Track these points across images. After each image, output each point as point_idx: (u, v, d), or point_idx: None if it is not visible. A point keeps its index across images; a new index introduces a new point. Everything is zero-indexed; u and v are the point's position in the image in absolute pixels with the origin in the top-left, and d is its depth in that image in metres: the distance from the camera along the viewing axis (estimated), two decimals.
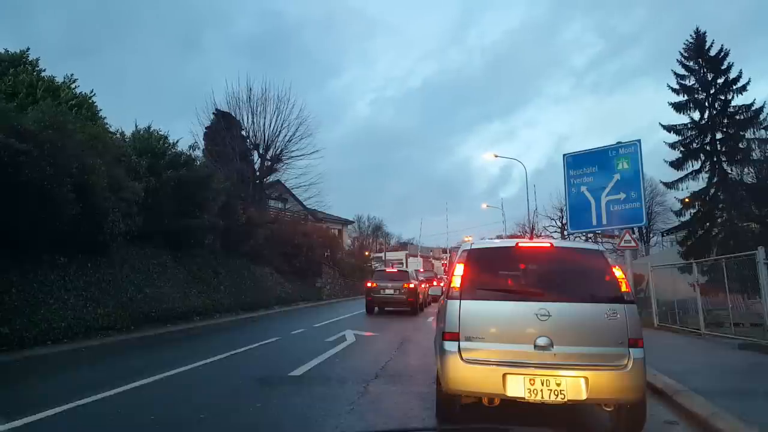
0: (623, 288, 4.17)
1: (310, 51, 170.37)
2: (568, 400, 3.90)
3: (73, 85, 14.01)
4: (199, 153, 20.31)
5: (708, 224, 22.90)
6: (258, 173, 28.30)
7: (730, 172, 22.83)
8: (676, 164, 23.59)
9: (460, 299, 4.23)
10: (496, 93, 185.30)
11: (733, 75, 22.71)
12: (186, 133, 25.78)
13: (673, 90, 23.71)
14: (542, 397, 3.90)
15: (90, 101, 14.30)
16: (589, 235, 27.01)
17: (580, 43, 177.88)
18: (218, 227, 17.18)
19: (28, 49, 13.84)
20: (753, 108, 22.40)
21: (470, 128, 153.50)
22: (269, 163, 28.32)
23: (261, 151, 28.10)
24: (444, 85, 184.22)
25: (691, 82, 23.52)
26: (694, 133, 23.39)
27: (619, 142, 13.47)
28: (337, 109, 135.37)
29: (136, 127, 15.57)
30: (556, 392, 3.89)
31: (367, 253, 52.58)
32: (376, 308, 18.58)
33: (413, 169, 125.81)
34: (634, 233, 15.98)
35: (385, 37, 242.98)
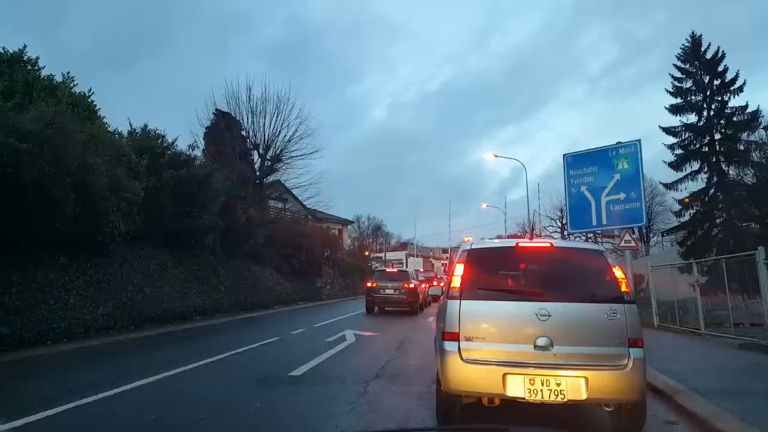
0: (623, 288, 4.17)
1: (333, 57, 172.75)
2: (568, 400, 3.90)
3: (71, 84, 13.99)
4: (198, 153, 20.33)
5: (707, 224, 22.93)
6: (258, 173, 28.31)
7: (728, 172, 22.89)
8: (675, 165, 23.65)
9: (460, 299, 4.22)
10: (512, 97, 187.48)
11: (729, 77, 22.81)
12: (195, 136, 25.69)
13: (671, 93, 23.85)
14: (542, 397, 3.90)
15: (88, 100, 14.28)
16: (589, 235, 27.00)
17: (597, 49, 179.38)
18: (218, 227, 17.18)
19: (25, 47, 13.83)
20: (748, 111, 22.51)
21: (485, 131, 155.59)
22: (269, 163, 28.32)
23: (261, 151, 28.12)
24: (461, 89, 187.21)
25: (688, 84, 23.65)
26: (691, 134, 23.46)
27: (619, 142, 13.47)
28: (355, 114, 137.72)
29: (131, 126, 15.49)
30: (556, 392, 3.89)
31: (367, 253, 52.57)
32: (376, 308, 18.58)
33: (425, 172, 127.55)
34: (634, 233, 15.98)
35: (408, 42, 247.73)
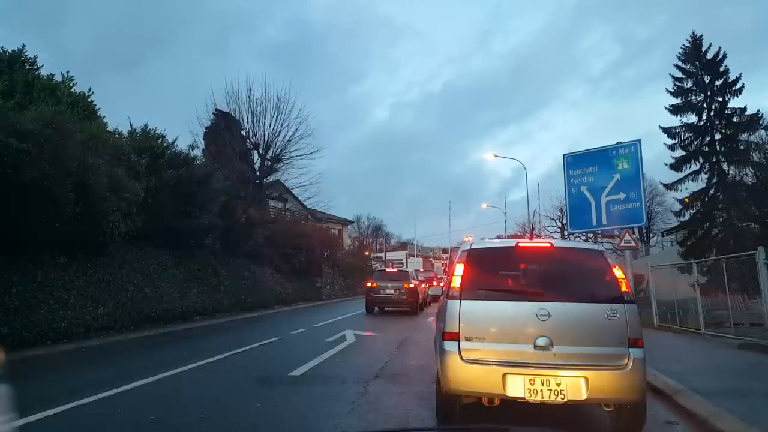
0: (623, 288, 4.17)
1: (335, 57, 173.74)
2: (568, 400, 3.90)
3: (71, 84, 13.99)
4: (198, 152, 20.32)
5: (708, 224, 22.95)
6: (258, 173, 28.30)
7: (729, 172, 22.91)
8: (676, 165, 23.69)
9: (460, 299, 4.22)
10: (513, 97, 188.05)
11: (731, 77, 22.86)
12: (195, 136, 25.67)
13: (671, 93, 23.89)
14: (542, 397, 3.90)
15: (88, 100, 14.29)
16: (589, 235, 27.00)
17: (598, 50, 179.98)
18: (218, 227, 17.17)
19: (24, 46, 13.85)
20: (747, 113, 22.54)
21: (486, 131, 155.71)
22: (269, 162, 28.31)
23: (261, 151, 28.11)
24: (463, 89, 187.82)
25: (688, 84, 23.69)
26: (692, 134, 23.49)
27: (619, 142, 13.47)
28: (356, 114, 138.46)
29: (131, 125, 15.48)
30: (556, 392, 3.89)
31: (367, 253, 52.58)
32: (376, 308, 18.59)
33: (426, 172, 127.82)
34: (634, 233, 15.98)
35: (410, 42, 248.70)
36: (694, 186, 23.41)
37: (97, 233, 11.07)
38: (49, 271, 10.22)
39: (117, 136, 14.76)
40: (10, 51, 13.57)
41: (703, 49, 23.40)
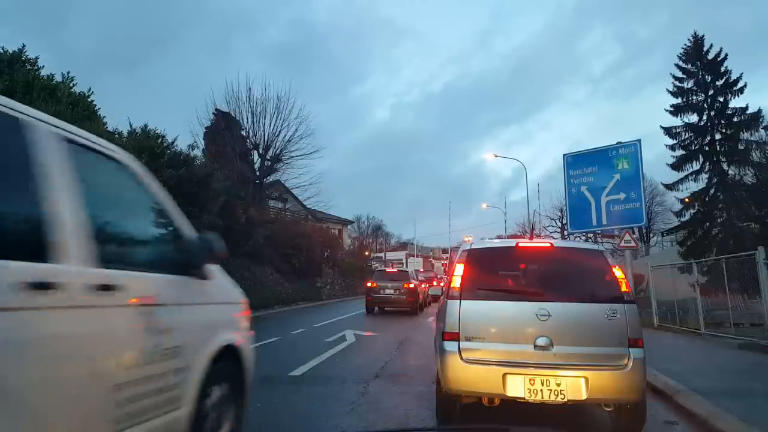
0: (623, 288, 4.17)
1: (337, 58, 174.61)
2: (568, 400, 3.90)
3: (71, 84, 13.99)
4: (198, 152, 20.32)
5: (708, 224, 22.96)
6: (258, 173, 28.28)
7: (729, 172, 22.93)
8: (676, 165, 23.70)
9: (460, 299, 4.22)
10: (514, 97, 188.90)
11: (732, 77, 22.87)
12: (195, 136, 25.57)
13: (672, 93, 23.90)
14: (542, 397, 3.90)
15: (88, 100, 14.29)
16: (589, 235, 27.01)
17: (599, 50, 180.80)
18: (218, 227, 17.13)
19: (24, 46, 13.84)
20: (748, 112, 22.56)
21: (487, 132, 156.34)
22: (269, 162, 28.28)
23: (261, 151, 28.07)
24: (464, 90, 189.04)
25: (689, 84, 23.71)
26: (692, 134, 23.51)
27: (619, 142, 13.48)
28: (358, 114, 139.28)
29: (131, 125, 15.44)
30: (556, 392, 3.89)
31: (367, 253, 52.58)
32: (376, 308, 18.58)
33: (426, 172, 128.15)
34: (634, 233, 15.99)
35: (411, 43, 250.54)
36: (694, 186, 23.47)
37: None
38: None
39: (117, 136, 14.73)
40: (11, 51, 13.55)
41: (704, 49, 23.41)
